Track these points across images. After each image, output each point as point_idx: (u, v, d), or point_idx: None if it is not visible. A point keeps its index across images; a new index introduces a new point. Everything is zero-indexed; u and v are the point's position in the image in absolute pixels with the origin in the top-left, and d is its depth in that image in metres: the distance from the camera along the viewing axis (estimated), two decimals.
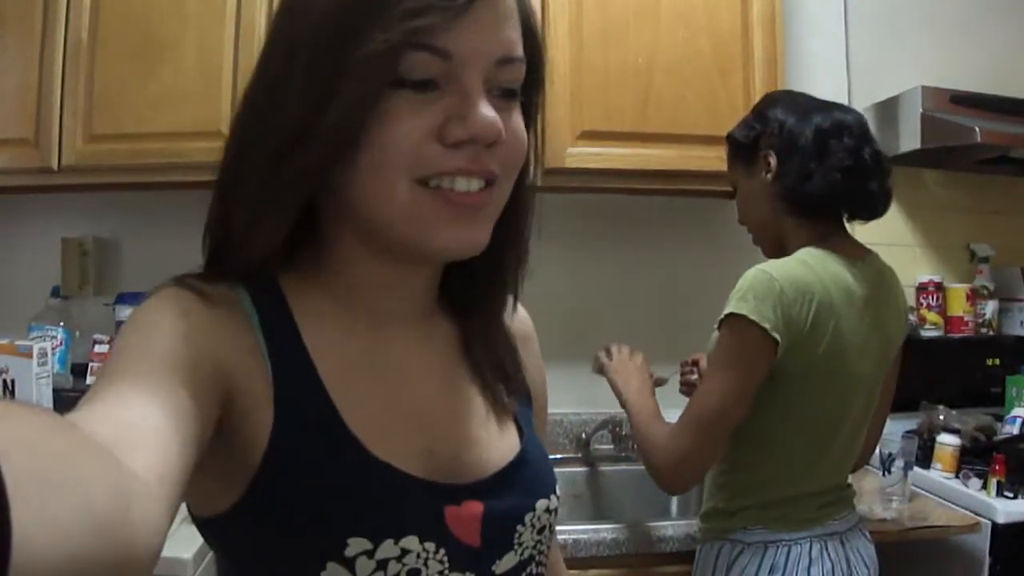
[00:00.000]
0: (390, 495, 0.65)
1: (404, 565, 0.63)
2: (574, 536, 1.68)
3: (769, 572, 1.39)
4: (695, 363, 1.85)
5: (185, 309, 0.62)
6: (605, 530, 1.71)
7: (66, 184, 1.96)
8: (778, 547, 1.40)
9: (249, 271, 0.67)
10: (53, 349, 1.81)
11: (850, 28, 2.44)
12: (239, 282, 0.67)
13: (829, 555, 1.40)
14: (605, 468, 2.21)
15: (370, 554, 0.62)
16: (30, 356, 1.65)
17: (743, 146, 1.55)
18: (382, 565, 0.62)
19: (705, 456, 1.38)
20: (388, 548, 0.63)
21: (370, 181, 0.62)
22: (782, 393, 1.39)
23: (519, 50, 0.65)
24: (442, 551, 0.66)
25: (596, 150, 1.98)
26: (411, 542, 0.64)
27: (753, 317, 1.32)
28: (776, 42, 2.05)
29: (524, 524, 0.72)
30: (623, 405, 1.62)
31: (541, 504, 0.74)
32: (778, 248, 1.50)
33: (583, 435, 2.24)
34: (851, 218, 1.50)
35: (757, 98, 2.02)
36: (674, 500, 2.19)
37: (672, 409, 1.54)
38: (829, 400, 1.42)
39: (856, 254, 1.47)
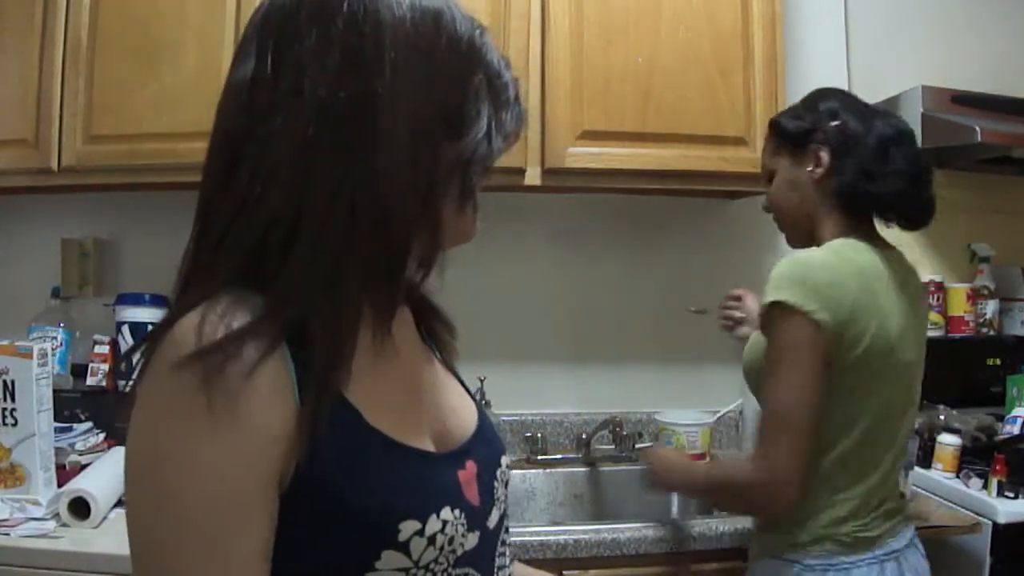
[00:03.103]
0: (422, 475, 0.71)
1: (446, 535, 0.69)
2: (575, 536, 1.68)
3: None
4: (738, 298, 1.88)
5: (228, 425, 0.60)
6: (606, 530, 1.70)
7: (66, 185, 1.96)
8: (838, 571, 1.34)
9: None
10: (53, 350, 1.81)
11: (850, 28, 2.44)
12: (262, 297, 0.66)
13: None
14: (606, 468, 2.21)
15: (420, 533, 0.67)
16: (30, 357, 1.65)
17: (792, 136, 1.51)
18: (431, 541, 0.68)
19: (789, 462, 1.30)
20: (433, 523, 0.68)
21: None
22: (837, 384, 1.33)
23: None
24: (463, 515, 0.72)
25: (596, 150, 1.98)
26: (447, 513, 0.70)
27: (794, 301, 1.30)
28: (776, 42, 2.05)
29: (497, 479, 0.81)
30: (696, 491, 1.64)
31: (504, 460, 0.84)
32: (807, 238, 1.49)
33: (584, 435, 2.24)
34: (905, 226, 1.48)
35: (758, 98, 2.04)
36: (675, 501, 2.18)
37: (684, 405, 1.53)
38: (885, 388, 1.37)
39: (886, 246, 1.49)
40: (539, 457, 2.22)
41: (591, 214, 2.33)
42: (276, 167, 0.66)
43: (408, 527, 0.66)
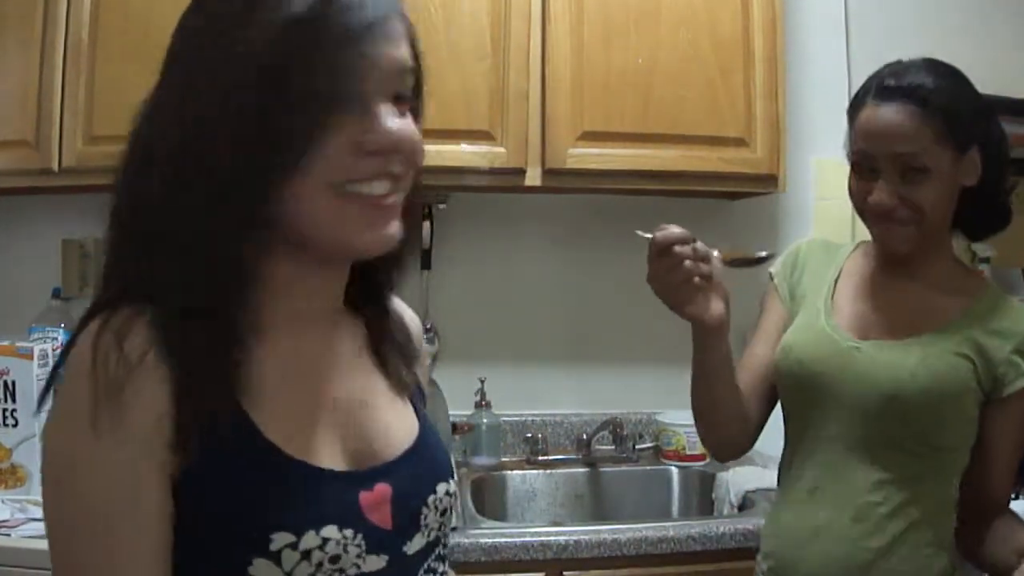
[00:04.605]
0: (307, 490, 0.70)
1: (326, 553, 0.68)
2: (575, 537, 1.68)
3: None
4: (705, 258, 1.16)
5: (113, 433, 0.64)
6: (606, 531, 1.71)
7: (66, 186, 1.96)
8: None
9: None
10: (54, 350, 1.81)
11: (850, 28, 2.44)
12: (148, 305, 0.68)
13: None
14: (606, 469, 2.21)
15: (294, 546, 0.67)
16: (31, 358, 1.66)
17: (963, 125, 1.18)
18: (306, 555, 0.67)
19: None
20: (310, 539, 0.68)
21: (296, 192, 0.68)
22: None
23: (410, 62, 0.74)
24: (359, 536, 0.71)
25: (597, 151, 1.98)
26: (331, 531, 0.69)
27: None
28: (776, 43, 2.05)
29: (428, 506, 0.78)
30: None
31: (441, 487, 0.81)
32: (921, 254, 1.25)
33: (584, 436, 2.24)
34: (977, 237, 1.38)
35: (758, 99, 2.03)
36: (675, 502, 2.19)
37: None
38: None
39: None
40: (539, 458, 2.22)
41: (591, 215, 2.33)
42: (127, 168, 0.73)
43: (280, 538, 0.66)
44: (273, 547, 0.66)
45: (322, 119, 0.67)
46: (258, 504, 0.67)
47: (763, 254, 1.20)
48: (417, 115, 0.77)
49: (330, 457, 0.73)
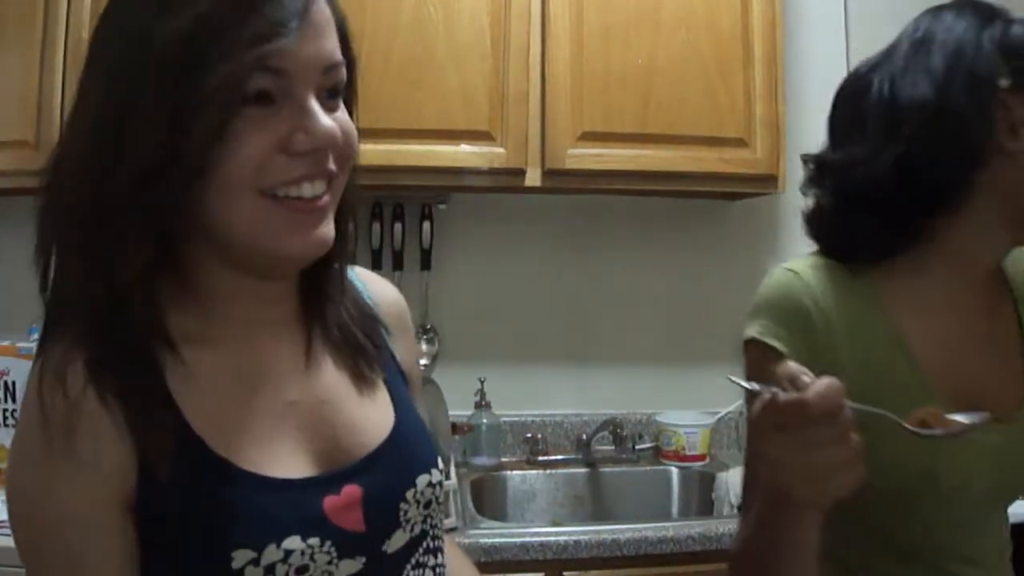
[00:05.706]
0: (262, 503, 0.68)
1: (290, 565, 0.66)
2: (575, 537, 1.68)
3: None
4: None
5: (61, 458, 0.64)
6: (605, 531, 1.71)
7: None
8: None
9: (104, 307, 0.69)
10: None
11: (850, 28, 2.44)
12: None
13: None
14: (605, 469, 2.21)
15: (255, 562, 0.65)
16: (31, 358, 1.65)
17: None
18: (269, 570, 0.66)
19: None
20: (271, 553, 0.66)
21: (218, 197, 0.65)
22: None
23: (339, 54, 0.70)
24: (328, 543, 0.68)
25: (597, 151, 1.98)
26: (293, 542, 0.67)
27: None
28: (776, 43, 2.05)
29: (407, 501, 0.75)
30: None
31: (422, 480, 0.77)
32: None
33: (584, 436, 2.24)
34: None
35: (758, 99, 2.04)
36: (675, 502, 2.19)
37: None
38: None
39: None
40: (539, 458, 2.22)
41: (591, 215, 2.33)
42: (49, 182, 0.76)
43: (241, 556, 0.65)
44: (236, 565, 0.65)
45: (231, 120, 0.63)
46: (215, 524, 0.66)
47: (977, 419, 0.80)
48: (351, 108, 0.74)
49: (292, 465, 0.71)
